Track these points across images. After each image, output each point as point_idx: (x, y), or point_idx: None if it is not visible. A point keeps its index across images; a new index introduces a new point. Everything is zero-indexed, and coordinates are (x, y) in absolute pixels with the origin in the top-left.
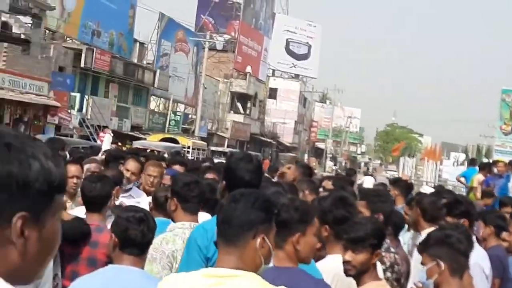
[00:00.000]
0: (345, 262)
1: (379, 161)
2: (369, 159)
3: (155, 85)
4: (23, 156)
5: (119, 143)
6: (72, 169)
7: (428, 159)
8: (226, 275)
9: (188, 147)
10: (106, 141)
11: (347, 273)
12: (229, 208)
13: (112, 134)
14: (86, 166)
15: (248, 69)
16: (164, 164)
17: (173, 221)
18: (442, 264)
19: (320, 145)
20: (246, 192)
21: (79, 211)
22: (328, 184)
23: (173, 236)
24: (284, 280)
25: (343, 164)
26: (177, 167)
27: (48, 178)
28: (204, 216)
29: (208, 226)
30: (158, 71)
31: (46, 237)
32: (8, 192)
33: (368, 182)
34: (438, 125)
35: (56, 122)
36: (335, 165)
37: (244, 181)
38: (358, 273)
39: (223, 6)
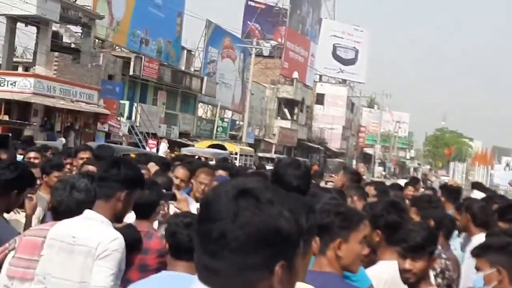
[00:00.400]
0: (405, 271)
1: (428, 166)
2: (418, 164)
3: (203, 92)
4: (284, 210)
5: (168, 150)
6: None
7: (479, 164)
8: None
9: (236, 153)
10: (162, 150)
11: (407, 281)
12: None
13: (167, 144)
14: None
15: (295, 75)
16: None
17: None
18: (504, 272)
19: (369, 150)
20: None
21: (129, 218)
22: (370, 190)
23: None
24: (318, 285)
25: (392, 169)
26: (221, 173)
27: (299, 228)
28: None
29: None
30: (205, 78)
31: (294, 278)
32: (276, 246)
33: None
34: (489, 129)
35: (106, 129)
36: (384, 170)
37: (291, 187)
38: (416, 280)
39: (270, 13)
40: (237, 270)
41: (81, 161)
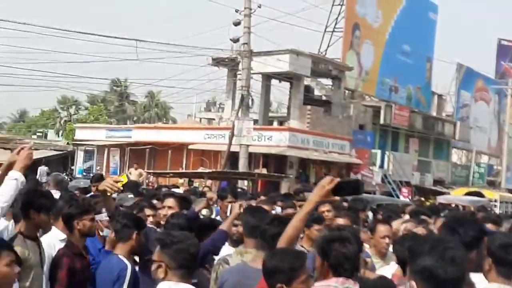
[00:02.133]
0: None
1: None
2: None
3: (456, 137)
4: None
5: (422, 198)
6: (382, 229)
7: None
8: None
9: (495, 201)
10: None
11: None
12: None
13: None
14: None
15: None
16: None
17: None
18: None
19: None
20: None
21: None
22: None
23: None
24: None
25: None
26: (490, 226)
27: None
28: None
29: None
30: (458, 123)
31: None
32: None
33: None
34: None
35: (359, 179)
36: None
37: None
38: None
39: None
40: None
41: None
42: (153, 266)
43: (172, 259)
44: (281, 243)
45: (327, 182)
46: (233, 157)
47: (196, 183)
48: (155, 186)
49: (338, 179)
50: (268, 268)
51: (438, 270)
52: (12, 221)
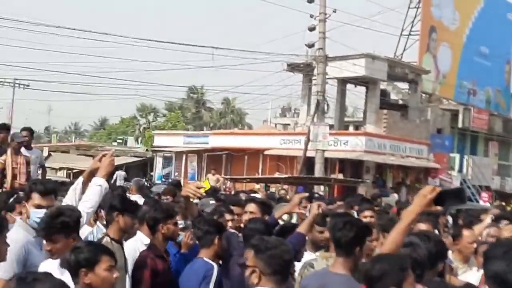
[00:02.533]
0: None
1: None
2: None
3: None
4: None
5: (503, 203)
6: (468, 234)
7: None
8: None
9: None
10: None
11: None
12: None
13: None
14: None
15: None
16: None
17: None
18: None
19: None
20: None
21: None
22: None
23: None
24: None
25: None
26: None
27: None
28: None
29: None
30: None
31: None
32: None
33: None
34: None
35: (437, 184)
36: None
37: None
38: None
39: None
40: None
41: (364, 219)
42: (247, 272)
43: (267, 264)
44: None
45: (428, 191)
46: (309, 162)
47: (272, 188)
48: (232, 191)
49: (440, 188)
50: (374, 274)
51: (507, 275)
52: (95, 226)
